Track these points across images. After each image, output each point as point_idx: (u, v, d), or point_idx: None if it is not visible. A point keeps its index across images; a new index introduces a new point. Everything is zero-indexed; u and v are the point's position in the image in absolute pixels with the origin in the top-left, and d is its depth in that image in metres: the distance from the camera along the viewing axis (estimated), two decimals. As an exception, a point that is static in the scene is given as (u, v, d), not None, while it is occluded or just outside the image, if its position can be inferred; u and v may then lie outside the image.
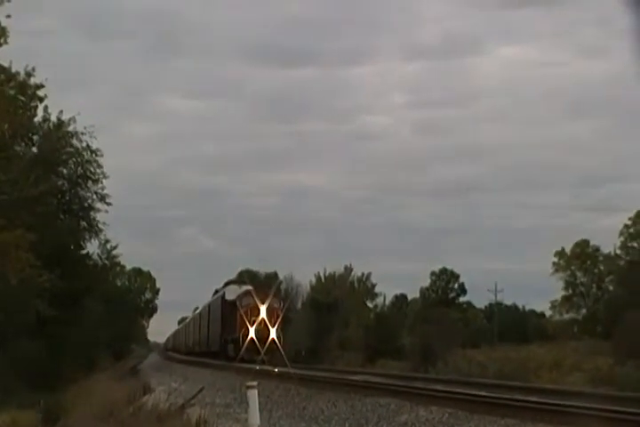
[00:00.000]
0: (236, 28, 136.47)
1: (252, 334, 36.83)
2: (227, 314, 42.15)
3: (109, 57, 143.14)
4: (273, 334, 36.38)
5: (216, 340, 45.33)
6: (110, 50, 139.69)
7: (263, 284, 57.45)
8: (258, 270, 73.89)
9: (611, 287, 70.20)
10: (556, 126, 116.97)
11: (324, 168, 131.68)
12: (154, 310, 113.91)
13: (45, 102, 30.87)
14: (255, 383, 11.95)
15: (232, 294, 42.59)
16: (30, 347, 30.48)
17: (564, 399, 13.51)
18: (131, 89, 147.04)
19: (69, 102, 77.25)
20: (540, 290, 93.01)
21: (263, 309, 37.32)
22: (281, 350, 35.70)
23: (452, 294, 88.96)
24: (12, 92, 26.07)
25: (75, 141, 35.14)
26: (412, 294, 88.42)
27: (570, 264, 74.42)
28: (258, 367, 29.09)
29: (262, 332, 36.60)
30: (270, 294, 40.13)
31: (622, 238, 67.83)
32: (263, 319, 37.22)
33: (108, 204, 37.15)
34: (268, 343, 35.89)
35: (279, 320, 37.76)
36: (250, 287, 42.64)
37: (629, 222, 67.56)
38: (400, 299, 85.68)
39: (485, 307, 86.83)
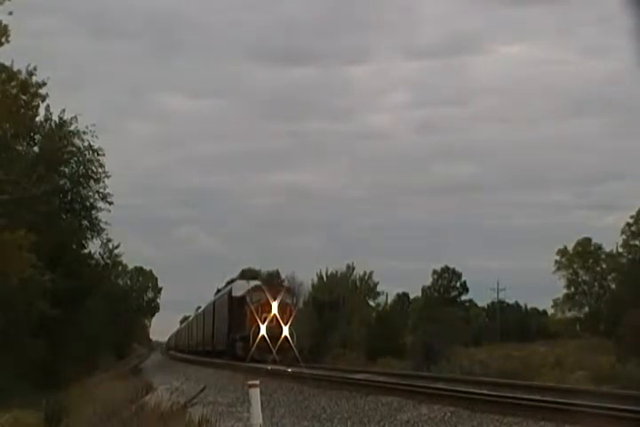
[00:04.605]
0: (237, 28, 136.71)
1: (262, 331, 35.01)
2: (235, 311, 39.76)
3: (111, 56, 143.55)
4: (285, 331, 34.95)
5: (222, 338, 43.40)
6: (112, 49, 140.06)
7: (270, 280, 57.00)
8: (260, 269, 73.95)
9: (613, 285, 70.19)
10: (558, 125, 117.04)
11: (324, 167, 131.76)
12: (156, 309, 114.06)
13: (47, 102, 30.94)
14: (257, 382, 11.93)
15: (240, 289, 40.05)
16: (32, 346, 30.49)
17: (567, 398, 13.48)
18: (132, 88, 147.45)
19: (71, 102, 77.42)
20: (542, 288, 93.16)
21: (275, 305, 35.51)
22: (294, 348, 34.47)
23: (455, 293, 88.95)
24: (13, 91, 26.08)
25: (76, 141, 35.24)
26: (414, 292, 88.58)
27: (572, 262, 74.42)
28: (270, 367, 27.92)
29: (274, 329, 34.95)
30: (282, 289, 38.75)
31: (624, 236, 67.93)
32: (275, 316, 35.36)
33: (110, 203, 37.26)
34: (280, 342, 34.68)
35: (292, 317, 35.88)
36: (259, 282, 41.31)
37: (631, 220, 67.62)
38: (402, 298, 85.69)
39: (487, 305, 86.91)
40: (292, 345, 34.77)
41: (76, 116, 34.81)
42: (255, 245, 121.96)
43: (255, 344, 34.89)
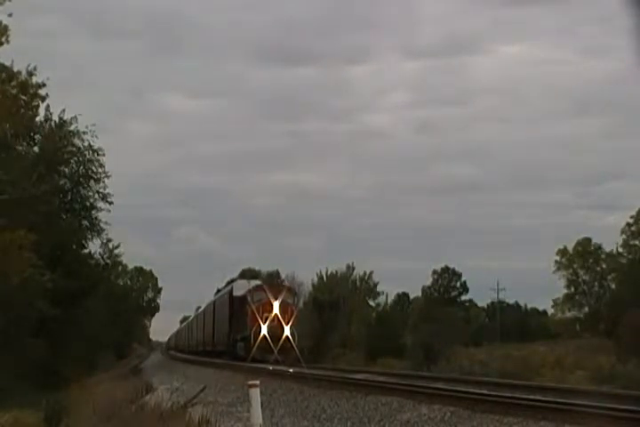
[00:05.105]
0: (237, 28, 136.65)
1: (264, 331, 34.74)
2: (236, 311, 39.61)
3: (111, 56, 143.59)
4: (287, 331, 34.71)
5: (222, 338, 43.35)
6: (112, 49, 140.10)
7: (271, 280, 56.95)
8: (260, 269, 73.99)
9: (613, 285, 70.19)
10: (558, 125, 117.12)
11: (324, 167, 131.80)
12: (156, 309, 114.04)
13: (47, 102, 30.95)
14: (257, 382, 11.93)
15: (241, 289, 39.82)
16: (33, 346, 30.48)
17: (567, 398, 13.48)
18: (132, 88, 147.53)
19: (71, 102, 77.39)
20: (542, 288, 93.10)
21: (276, 304, 35.25)
22: (295, 348, 34.17)
23: (454, 293, 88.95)
24: (13, 91, 26.09)
25: (76, 141, 35.24)
26: (414, 292, 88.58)
27: (572, 262, 74.40)
28: (271, 368, 27.72)
29: (276, 329, 34.70)
30: (283, 288, 38.53)
31: (624, 236, 67.93)
32: (276, 316, 35.08)
33: (110, 203, 37.25)
34: (281, 342, 34.45)
35: (293, 317, 35.66)
36: (259, 282, 41.16)
37: (631, 220, 67.62)
38: (402, 298, 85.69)
39: (487, 305, 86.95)
40: (294, 345, 34.53)
41: (76, 116, 34.85)
42: (255, 245, 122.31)
43: (256, 344, 34.66)
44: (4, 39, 23.82)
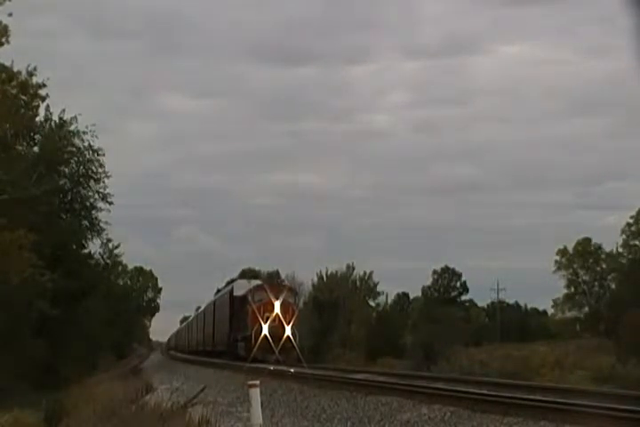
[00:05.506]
0: (237, 28, 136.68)
1: (265, 331, 34.57)
2: (236, 311, 39.58)
3: (111, 56, 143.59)
4: (288, 331, 34.52)
5: (223, 338, 43.25)
6: (112, 49, 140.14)
7: (272, 280, 56.91)
8: (260, 269, 74.00)
9: (613, 285, 70.16)
10: (558, 125, 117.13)
11: (324, 167, 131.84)
12: (156, 309, 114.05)
13: (47, 102, 30.98)
14: (257, 382, 11.93)
15: (242, 289, 39.75)
16: (32, 346, 30.48)
17: (567, 397, 13.48)
18: (132, 88, 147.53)
19: (71, 102, 77.41)
20: (542, 288, 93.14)
21: (277, 304, 35.07)
22: (297, 348, 34.01)
23: (455, 293, 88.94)
24: (13, 91, 26.10)
25: (76, 141, 35.26)
26: (414, 292, 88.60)
27: (572, 262, 74.38)
28: (272, 368, 27.53)
29: (277, 329, 34.53)
30: (284, 288, 38.44)
31: (624, 236, 67.93)
32: (278, 315, 34.91)
33: (110, 203, 37.27)
34: (282, 342, 34.26)
35: (294, 317, 35.54)
36: (260, 282, 41.08)
37: (631, 220, 67.63)
38: (402, 298, 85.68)
39: (487, 305, 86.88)
40: (295, 345, 34.48)
41: (76, 117, 34.88)
42: (255, 245, 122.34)
43: (257, 344, 34.54)
44: (4, 39, 23.84)
